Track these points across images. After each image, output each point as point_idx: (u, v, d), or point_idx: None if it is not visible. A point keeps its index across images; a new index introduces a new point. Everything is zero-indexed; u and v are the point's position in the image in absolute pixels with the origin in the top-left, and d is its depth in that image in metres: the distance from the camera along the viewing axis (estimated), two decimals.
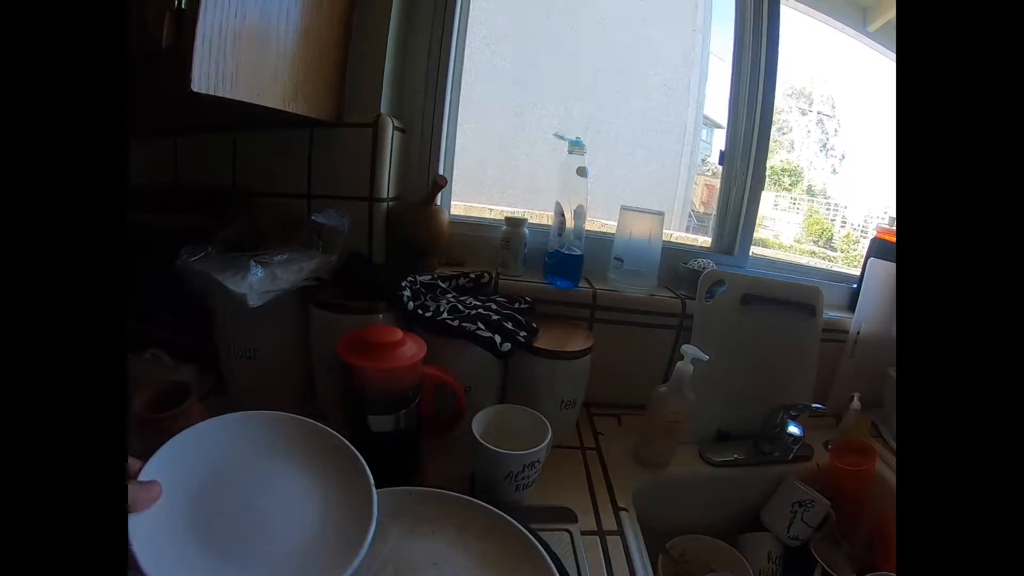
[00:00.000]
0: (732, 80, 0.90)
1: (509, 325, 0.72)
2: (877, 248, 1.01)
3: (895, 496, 0.87)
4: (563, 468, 0.73)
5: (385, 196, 0.79)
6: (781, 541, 0.82)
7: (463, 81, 0.89)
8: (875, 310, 0.96)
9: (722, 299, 0.81)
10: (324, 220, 0.70)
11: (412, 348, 0.58)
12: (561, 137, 0.80)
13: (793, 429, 0.79)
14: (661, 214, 0.83)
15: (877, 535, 0.83)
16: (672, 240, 0.94)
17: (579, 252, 0.81)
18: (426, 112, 0.85)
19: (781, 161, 1.66)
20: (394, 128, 0.79)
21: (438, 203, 0.82)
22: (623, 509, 0.68)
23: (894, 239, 1.02)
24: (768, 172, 1.72)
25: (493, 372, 0.74)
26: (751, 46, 0.87)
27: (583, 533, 0.61)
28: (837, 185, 1.53)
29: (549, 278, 0.82)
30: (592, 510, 0.66)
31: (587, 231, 0.80)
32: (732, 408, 0.81)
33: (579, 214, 0.80)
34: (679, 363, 0.72)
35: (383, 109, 0.78)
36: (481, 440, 0.60)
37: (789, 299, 0.85)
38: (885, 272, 0.96)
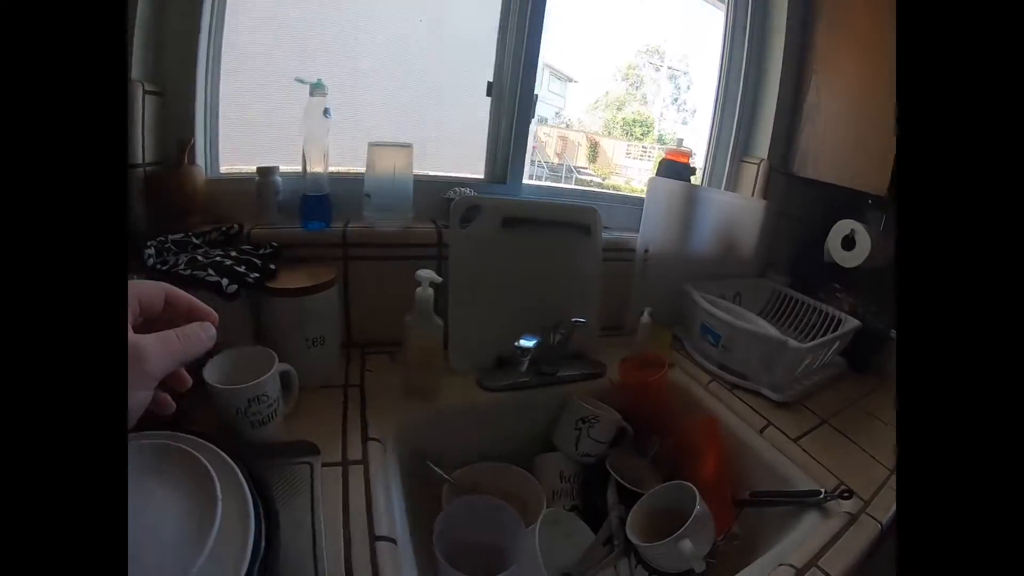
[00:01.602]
0: (501, 17, 0.89)
1: (242, 269, 0.70)
2: (665, 168, 1.01)
3: (701, 406, 0.86)
4: (320, 407, 0.71)
5: (141, 162, 0.76)
6: (573, 460, 0.79)
7: (225, 35, 0.85)
8: (659, 228, 0.96)
9: (479, 225, 0.80)
10: None
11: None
12: (302, 81, 0.78)
13: (524, 343, 0.76)
14: (408, 146, 0.81)
15: (684, 444, 0.83)
16: (448, 176, 0.92)
17: (325, 192, 0.79)
18: (180, 70, 0.81)
19: (634, 113, 1.68)
20: (144, 92, 0.76)
21: (193, 163, 0.79)
22: (373, 439, 0.66)
23: (684, 159, 1.02)
24: (620, 122, 1.72)
25: (246, 322, 0.72)
26: None
27: (325, 465, 0.60)
28: (689, 135, 1.55)
29: (303, 222, 0.80)
30: (340, 443, 0.64)
31: (351, 173, 0.78)
32: (511, 333, 0.78)
33: (325, 155, 0.80)
34: (417, 290, 0.70)
35: (134, 73, 0.75)
36: (207, 381, 0.58)
37: (557, 220, 0.84)
38: (666, 189, 0.95)
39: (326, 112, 0.78)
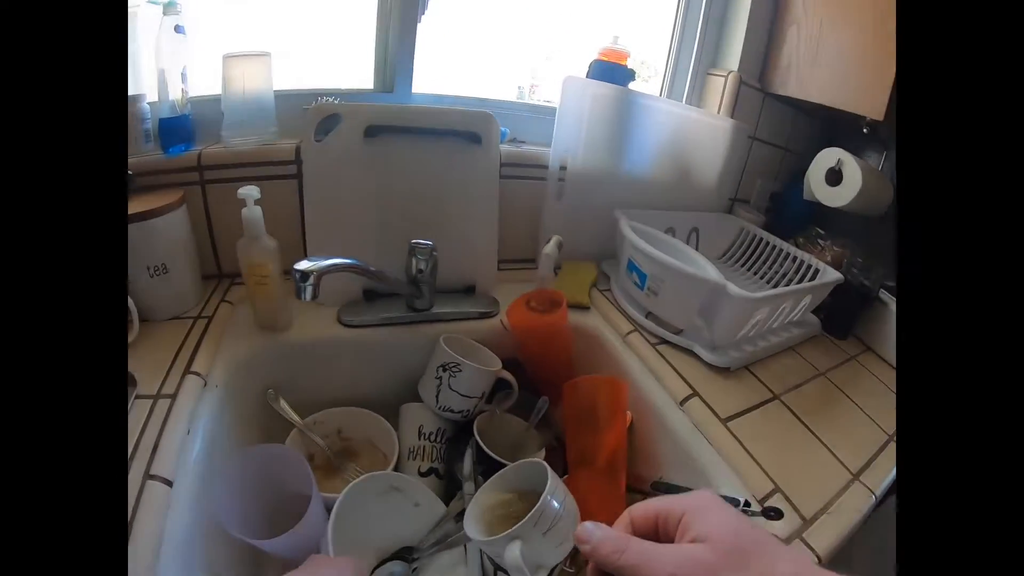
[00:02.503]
0: None
1: None
2: (596, 70, 0.84)
3: (612, 362, 0.71)
4: (162, 339, 0.66)
5: None
6: (435, 414, 0.67)
7: None
8: (581, 140, 0.80)
9: (338, 136, 0.69)
10: None
11: None
12: (154, 2, 0.72)
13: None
14: (264, 55, 0.73)
15: (578, 409, 0.65)
16: (334, 89, 0.81)
17: (179, 113, 0.72)
18: None
19: None
20: None
21: None
22: (194, 374, 0.61)
23: (620, 59, 0.84)
24: None
25: None
26: None
27: (139, 397, 0.57)
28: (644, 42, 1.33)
29: (163, 147, 0.74)
30: (162, 377, 0.60)
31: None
32: (380, 262, 0.67)
33: (184, 75, 0.73)
34: (243, 210, 0.62)
35: None
36: None
37: (437, 128, 0.71)
38: (590, 93, 0.79)
39: (177, 28, 0.72)
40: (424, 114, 0.72)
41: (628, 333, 0.73)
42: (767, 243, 0.92)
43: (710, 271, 0.69)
